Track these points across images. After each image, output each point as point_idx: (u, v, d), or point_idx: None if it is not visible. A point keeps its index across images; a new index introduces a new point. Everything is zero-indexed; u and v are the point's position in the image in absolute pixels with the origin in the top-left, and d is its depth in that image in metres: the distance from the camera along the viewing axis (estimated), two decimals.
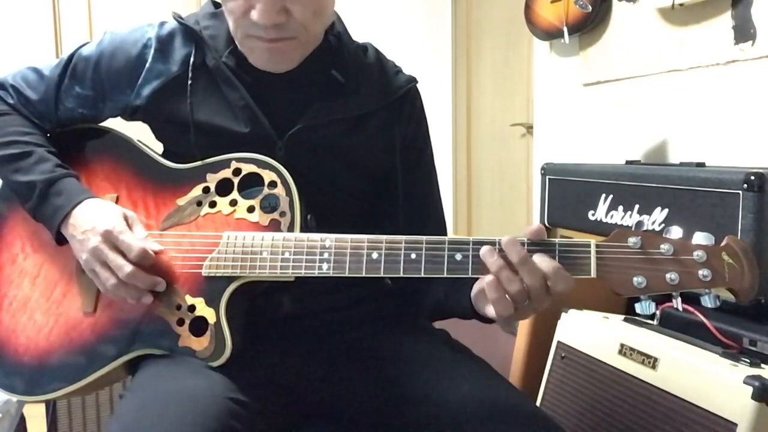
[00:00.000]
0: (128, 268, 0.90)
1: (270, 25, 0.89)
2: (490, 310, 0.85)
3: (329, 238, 0.87)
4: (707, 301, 0.80)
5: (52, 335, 0.97)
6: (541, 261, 0.81)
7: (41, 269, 1.01)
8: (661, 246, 0.80)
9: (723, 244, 0.80)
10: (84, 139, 1.07)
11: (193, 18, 1.03)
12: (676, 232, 0.81)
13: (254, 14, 0.88)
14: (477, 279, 0.88)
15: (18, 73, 1.08)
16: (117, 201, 1.00)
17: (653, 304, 0.82)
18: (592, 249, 0.81)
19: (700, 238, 0.80)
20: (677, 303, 0.82)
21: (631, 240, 0.81)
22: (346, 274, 0.86)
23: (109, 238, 0.91)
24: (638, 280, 0.80)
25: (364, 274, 0.85)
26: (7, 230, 1.05)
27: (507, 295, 0.81)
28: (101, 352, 0.94)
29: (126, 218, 0.94)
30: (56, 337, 0.97)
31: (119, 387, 1.73)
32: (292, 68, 0.97)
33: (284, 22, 0.90)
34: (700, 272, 0.79)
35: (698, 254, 0.79)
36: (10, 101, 1.06)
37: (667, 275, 0.79)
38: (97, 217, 0.93)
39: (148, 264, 0.91)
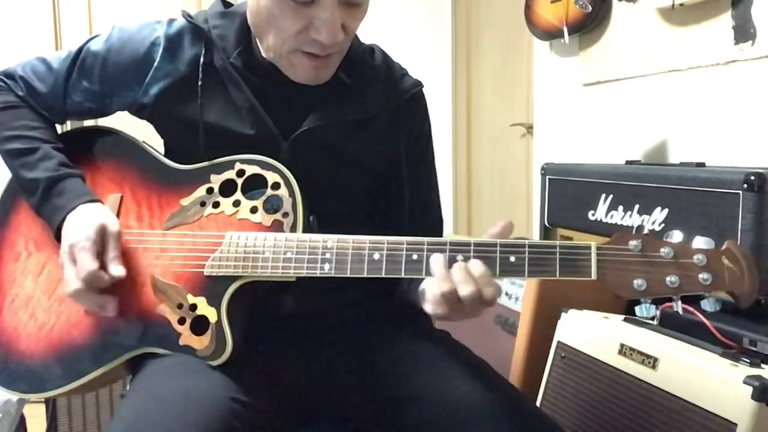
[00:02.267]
0: (75, 285, 0.91)
1: (332, 44, 0.91)
2: (427, 307, 0.87)
3: (331, 239, 0.87)
4: (707, 305, 0.80)
5: (54, 333, 0.97)
6: (474, 266, 0.82)
7: (44, 267, 1.01)
8: (662, 249, 0.80)
9: (723, 248, 0.80)
10: (89, 140, 1.07)
11: (203, 16, 1.02)
12: (676, 236, 0.81)
13: (318, 34, 0.90)
14: None
15: (27, 63, 1.08)
16: (121, 201, 1.00)
17: (653, 307, 0.82)
18: (593, 251, 0.82)
19: (700, 242, 0.80)
20: (677, 306, 0.82)
21: (632, 243, 0.81)
22: (348, 275, 0.86)
23: (72, 252, 0.92)
24: (638, 282, 0.80)
25: (365, 275, 0.86)
26: (11, 228, 1.05)
27: (442, 297, 0.83)
28: (102, 350, 0.94)
29: (104, 233, 0.93)
30: (58, 335, 0.97)
31: (120, 387, 1.73)
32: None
33: (341, 39, 0.92)
34: (701, 276, 0.79)
35: (698, 258, 0.79)
36: (20, 93, 1.06)
37: (668, 278, 0.80)
38: (77, 226, 0.94)
39: (98, 287, 0.91)
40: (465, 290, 0.81)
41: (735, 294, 0.79)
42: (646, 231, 0.82)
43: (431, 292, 0.85)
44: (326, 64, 0.96)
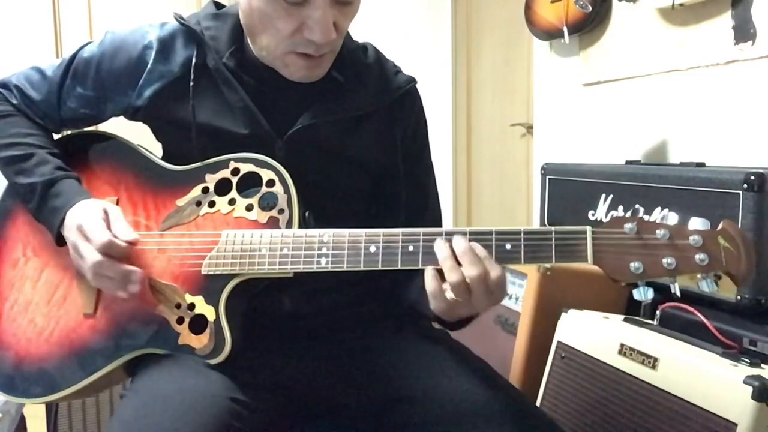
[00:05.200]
0: (95, 257, 0.90)
1: (325, 43, 0.91)
2: (432, 302, 0.85)
3: (327, 233, 0.88)
4: (705, 286, 0.79)
5: (53, 338, 0.97)
6: (478, 248, 0.81)
7: (42, 272, 1.01)
8: (657, 231, 0.80)
9: (719, 228, 0.79)
10: (84, 144, 1.07)
11: (195, 18, 1.03)
12: (672, 218, 0.81)
13: (311, 33, 0.90)
14: None
15: (21, 73, 1.09)
16: (117, 203, 1.00)
17: (651, 290, 0.81)
18: (588, 235, 0.81)
19: (696, 223, 0.80)
20: (674, 288, 0.81)
21: (627, 226, 0.80)
22: (345, 268, 0.86)
23: (81, 232, 0.92)
24: (635, 265, 0.80)
25: (362, 268, 0.86)
26: (9, 235, 1.06)
27: (447, 286, 0.82)
28: (102, 352, 0.94)
29: (106, 212, 0.94)
30: (57, 340, 0.97)
31: (119, 387, 1.73)
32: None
33: (334, 38, 0.92)
34: (697, 256, 0.78)
35: (694, 239, 0.79)
36: (14, 101, 1.07)
37: (664, 260, 0.79)
38: (80, 214, 0.94)
39: (117, 254, 0.91)
40: (471, 271, 0.80)
41: (732, 274, 0.78)
42: (640, 216, 0.82)
43: (430, 284, 0.84)
44: (319, 63, 0.96)
